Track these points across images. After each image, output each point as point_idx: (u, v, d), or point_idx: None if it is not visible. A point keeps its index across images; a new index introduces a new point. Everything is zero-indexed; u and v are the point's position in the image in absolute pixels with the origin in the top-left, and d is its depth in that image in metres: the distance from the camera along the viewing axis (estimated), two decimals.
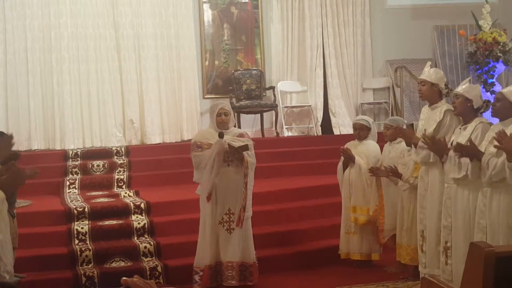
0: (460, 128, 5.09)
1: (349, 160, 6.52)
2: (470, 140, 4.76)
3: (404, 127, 6.27)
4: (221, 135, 5.80)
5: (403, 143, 5.93)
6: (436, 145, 5.09)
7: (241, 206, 5.84)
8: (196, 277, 5.89)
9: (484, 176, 4.58)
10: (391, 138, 6.33)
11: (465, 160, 4.79)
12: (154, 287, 1.72)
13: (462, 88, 5.10)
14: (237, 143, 5.83)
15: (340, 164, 6.66)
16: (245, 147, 5.80)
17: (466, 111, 5.06)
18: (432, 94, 5.51)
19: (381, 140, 6.70)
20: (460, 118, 5.21)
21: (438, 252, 5.25)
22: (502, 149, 4.39)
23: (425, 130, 5.42)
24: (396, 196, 6.18)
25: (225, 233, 5.86)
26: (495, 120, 4.90)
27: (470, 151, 4.69)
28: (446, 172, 5.06)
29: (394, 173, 5.99)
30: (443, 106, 5.45)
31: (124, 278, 1.71)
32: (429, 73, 5.53)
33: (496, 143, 4.39)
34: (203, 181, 5.86)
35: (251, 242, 5.97)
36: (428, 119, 5.51)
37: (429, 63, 5.74)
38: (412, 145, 5.54)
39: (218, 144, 5.78)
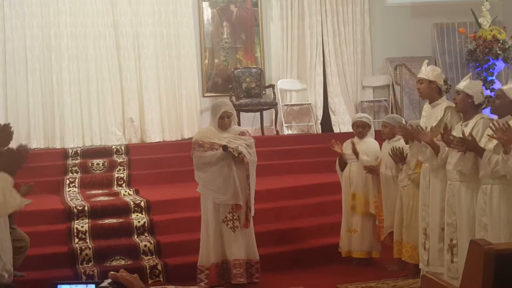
0: (461, 125, 5.09)
1: (345, 161, 6.53)
2: (470, 134, 4.76)
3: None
4: (225, 148, 5.80)
5: (401, 141, 5.92)
6: (445, 135, 5.07)
7: (246, 208, 5.85)
8: (202, 276, 5.88)
9: (484, 171, 4.59)
10: (389, 135, 6.33)
11: (465, 155, 4.79)
12: (138, 281, 1.72)
13: (463, 84, 5.11)
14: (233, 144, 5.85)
15: (336, 164, 6.67)
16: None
17: (467, 108, 5.06)
18: (431, 91, 5.51)
19: (379, 138, 6.70)
20: (461, 114, 5.21)
21: (442, 250, 5.24)
22: (496, 139, 4.41)
23: (426, 127, 5.42)
24: (395, 193, 6.18)
25: (229, 231, 5.87)
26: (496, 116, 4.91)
27: (470, 145, 4.70)
28: (447, 166, 5.05)
29: (398, 156, 5.97)
30: (443, 103, 5.46)
31: (112, 272, 1.72)
32: (426, 71, 5.55)
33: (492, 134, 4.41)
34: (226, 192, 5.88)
35: (254, 240, 5.99)
36: (429, 116, 5.52)
37: (426, 61, 5.74)
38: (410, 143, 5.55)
39: (224, 160, 5.80)
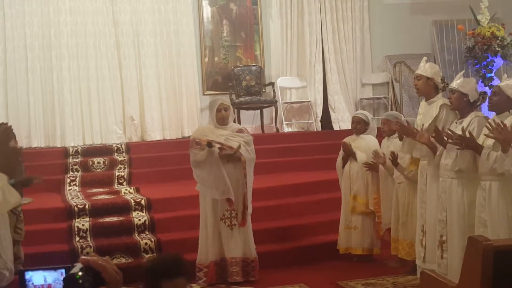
0: (456, 122, 5.11)
1: (349, 155, 6.54)
2: (469, 132, 4.78)
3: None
4: (210, 145, 5.81)
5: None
6: (437, 136, 5.10)
7: (242, 206, 5.87)
8: (200, 274, 5.91)
9: (482, 169, 4.61)
10: (388, 133, 6.35)
11: (464, 152, 4.82)
12: (111, 264, 1.69)
13: (456, 83, 5.11)
14: (229, 149, 5.86)
15: (339, 159, 6.67)
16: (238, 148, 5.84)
17: (462, 106, 5.07)
18: (428, 88, 5.53)
19: (380, 135, 6.72)
20: (456, 112, 5.23)
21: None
22: (492, 138, 4.43)
23: (422, 125, 5.44)
24: (393, 190, 6.19)
25: (227, 229, 5.90)
26: (491, 114, 4.92)
27: (469, 143, 4.72)
28: (441, 165, 5.08)
29: (393, 160, 5.99)
30: (439, 100, 5.47)
31: (82, 257, 1.67)
32: (424, 68, 5.56)
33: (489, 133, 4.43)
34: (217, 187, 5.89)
35: (252, 238, 6.01)
36: (425, 114, 5.53)
37: (424, 58, 5.75)
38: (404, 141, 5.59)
39: (211, 156, 5.81)
